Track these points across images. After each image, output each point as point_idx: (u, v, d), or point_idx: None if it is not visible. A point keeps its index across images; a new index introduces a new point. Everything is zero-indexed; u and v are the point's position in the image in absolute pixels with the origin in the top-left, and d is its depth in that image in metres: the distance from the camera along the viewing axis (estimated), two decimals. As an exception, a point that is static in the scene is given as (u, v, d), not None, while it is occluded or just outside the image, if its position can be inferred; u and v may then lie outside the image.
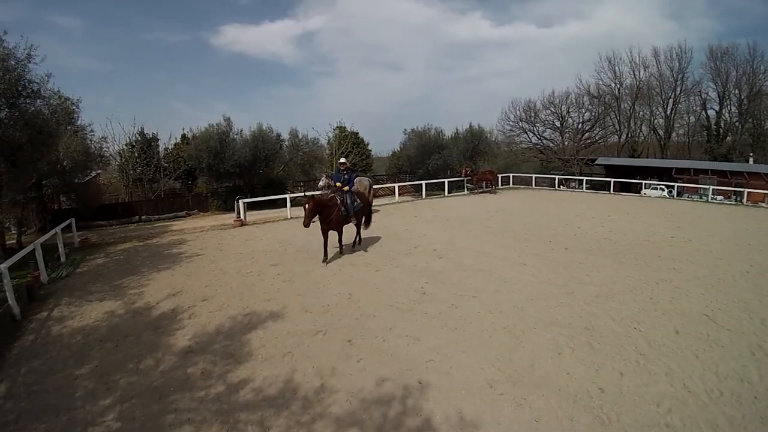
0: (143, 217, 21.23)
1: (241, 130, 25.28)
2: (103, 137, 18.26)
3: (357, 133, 32.80)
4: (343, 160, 13.12)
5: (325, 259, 11.09)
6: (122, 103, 73.37)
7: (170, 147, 26.90)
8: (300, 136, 28.27)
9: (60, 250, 12.43)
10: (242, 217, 18.22)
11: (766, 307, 8.04)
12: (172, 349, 6.43)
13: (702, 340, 6.60)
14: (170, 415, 4.74)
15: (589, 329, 6.93)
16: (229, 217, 19.36)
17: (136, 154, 24.69)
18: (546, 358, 6.00)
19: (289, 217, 19.21)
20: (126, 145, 25.31)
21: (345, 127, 32.43)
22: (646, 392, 5.12)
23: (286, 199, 20.45)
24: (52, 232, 12.47)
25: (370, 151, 34.31)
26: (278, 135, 26.52)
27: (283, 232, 15.74)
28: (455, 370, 5.64)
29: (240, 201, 18.53)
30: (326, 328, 7.04)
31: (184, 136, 26.83)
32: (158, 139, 26.17)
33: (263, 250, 12.76)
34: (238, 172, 24.33)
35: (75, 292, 9.35)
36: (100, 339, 6.86)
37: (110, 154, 22.90)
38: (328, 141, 31.47)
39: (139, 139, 25.20)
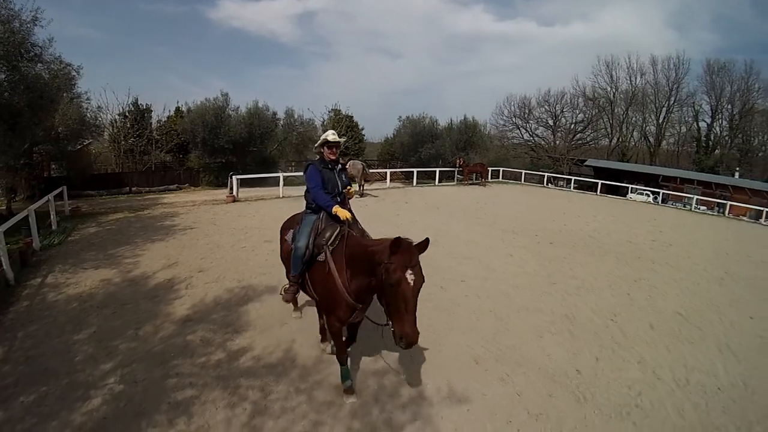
0: (134, 189, 21.16)
1: (238, 107, 25.20)
2: (98, 107, 18.04)
3: (352, 117, 32.72)
4: (333, 136, 5.13)
5: None
6: (117, 73, 71.78)
7: (163, 119, 26.54)
8: (296, 116, 28.23)
9: (52, 217, 12.32)
10: (235, 193, 18.25)
11: (737, 311, 8.54)
12: (171, 317, 6.54)
13: (674, 335, 7.06)
14: (172, 379, 4.88)
15: (569, 317, 7.36)
16: (221, 193, 19.40)
17: (129, 125, 24.31)
18: (528, 340, 6.39)
19: (281, 195, 19.29)
20: (119, 114, 24.91)
21: (340, 110, 32.37)
22: (619, 376, 5.54)
23: (279, 177, 20.51)
24: (45, 199, 12.27)
25: (364, 135, 34.27)
26: (274, 113, 26.55)
27: (275, 209, 15.80)
28: (444, 346, 5.95)
29: (233, 177, 18.53)
30: (322, 304, 7.27)
31: (178, 109, 26.52)
32: (152, 111, 25.81)
33: (257, 227, 12.85)
34: (231, 149, 24.27)
35: (69, 260, 9.29)
36: (97, 306, 6.88)
37: (103, 124, 22.67)
38: (323, 122, 31.24)
39: (133, 109, 24.78)
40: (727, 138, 42.85)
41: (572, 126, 46.15)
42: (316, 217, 4.89)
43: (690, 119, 44.75)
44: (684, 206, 29.91)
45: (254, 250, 10.41)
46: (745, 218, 27.97)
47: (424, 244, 3.90)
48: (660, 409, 4.96)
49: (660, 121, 45.17)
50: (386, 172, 27.21)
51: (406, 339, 3.58)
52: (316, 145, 5.42)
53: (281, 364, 5.33)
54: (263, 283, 8.11)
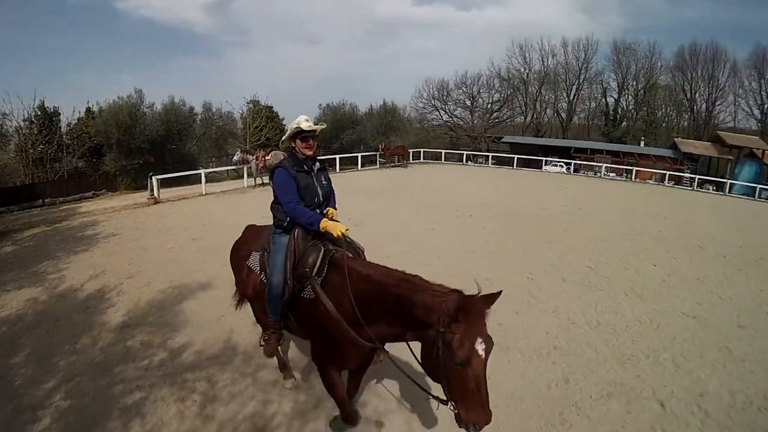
0: (47, 200, 19.78)
1: (153, 104, 24.52)
2: (3, 113, 16.63)
3: (271, 107, 32.34)
4: (308, 123, 3.68)
5: None
6: (15, 73, 64.22)
7: (74, 122, 24.96)
8: (214, 110, 27.80)
9: (-38, 241, 11.37)
10: (156, 194, 17.57)
11: (641, 261, 9.72)
12: (107, 326, 6.41)
13: (584, 285, 7.98)
14: (119, 385, 4.87)
15: (488, 279, 7.81)
16: (141, 196, 18.58)
17: (36, 131, 22.63)
18: (451, 302, 6.97)
19: (204, 193, 18.89)
20: (24, 120, 23.08)
21: (259, 101, 31.86)
22: (537, 324, 6.24)
23: (200, 174, 20.03)
24: (-46, 221, 11.37)
25: (285, 125, 33.80)
26: (191, 108, 26.36)
27: (199, 207, 15.70)
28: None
29: (153, 178, 17.79)
30: (255, 292, 7.38)
31: (88, 110, 25.15)
32: (60, 114, 24.19)
33: (182, 226, 12.68)
34: (148, 148, 23.63)
35: (-12, 284, 8.64)
36: (28, 326, 6.58)
37: (9, 132, 20.99)
38: (242, 115, 30.73)
39: (39, 113, 23.03)
40: (633, 111, 47.32)
41: (489, 106, 48.90)
42: (288, 237, 3.68)
43: (599, 95, 48.99)
44: (595, 174, 32.51)
45: (182, 249, 10.33)
46: (651, 182, 30.93)
47: (494, 298, 2.69)
48: (576, 347, 5.69)
49: (571, 98, 49.01)
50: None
51: (480, 425, 2.59)
52: (283, 138, 3.93)
53: (223, 354, 5.46)
54: (195, 280, 8.10)
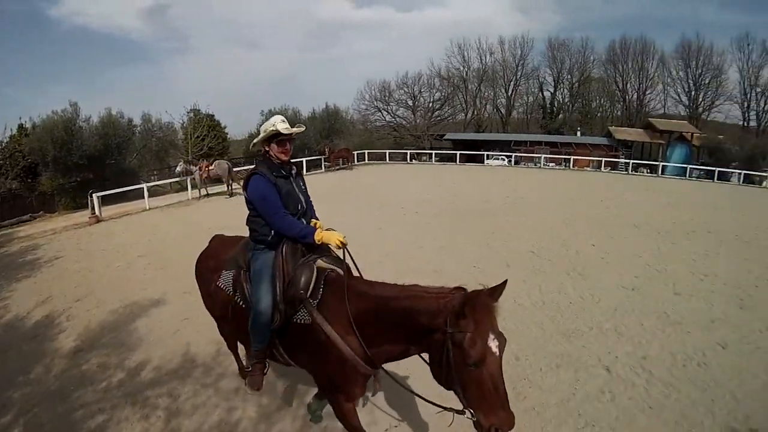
0: (-20, 228, 18.60)
1: (89, 117, 23.62)
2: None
3: (212, 116, 31.88)
4: (284, 125, 3.24)
5: None
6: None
7: (5, 141, 23.73)
8: (153, 121, 27.18)
9: None
10: (98, 212, 16.83)
11: (580, 242, 10.41)
12: (59, 352, 6.21)
13: (528, 269, 8.50)
14: (79, 411, 4.76)
15: (437, 272, 8.37)
16: (81, 216, 17.76)
17: (-36, 153, 21.38)
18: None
19: (147, 207, 18.35)
20: (-49, 142, 21.76)
21: (200, 110, 31.31)
22: (484, 309, 6.58)
23: (143, 189, 19.41)
24: None
25: (227, 134, 33.50)
26: (130, 120, 25.60)
27: (143, 223, 15.26)
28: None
29: (94, 195, 17.00)
30: (208, 304, 7.35)
31: (21, 126, 24.02)
32: (-12, 133, 22.92)
33: (128, 243, 12.31)
34: (86, 164, 22.79)
35: (-75, 321, 8.09)
36: None
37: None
38: (182, 125, 30.00)
39: (-33, 134, 21.81)
40: (569, 103, 50.67)
41: (430, 104, 50.63)
42: (274, 255, 3.29)
43: (536, 90, 52.38)
44: (535, 165, 34.11)
45: (130, 267, 10.07)
46: (588, 169, 32.77)
47: (500, 290, 2.55)
48: (523, 327, 6.09)
49: (509, 93, 51.76)
50: (253, 169, 27.05)
51: (502, 429, 2.37)
52: (255, 141, 3.50)
53: (182, 367, 5.45)
54: (146, 297, 7.96)
